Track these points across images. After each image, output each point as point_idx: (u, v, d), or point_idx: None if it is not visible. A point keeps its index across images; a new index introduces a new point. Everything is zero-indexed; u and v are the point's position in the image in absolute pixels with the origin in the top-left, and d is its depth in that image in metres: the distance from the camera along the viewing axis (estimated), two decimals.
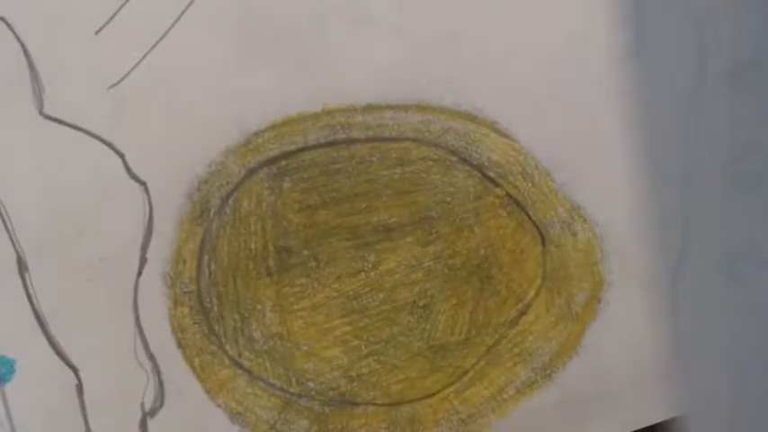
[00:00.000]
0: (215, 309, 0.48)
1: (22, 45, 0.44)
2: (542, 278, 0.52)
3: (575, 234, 0.52)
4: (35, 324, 0.45)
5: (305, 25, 0.47)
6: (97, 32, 0.45)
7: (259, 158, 0.48)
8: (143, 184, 0.46)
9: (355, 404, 0.50)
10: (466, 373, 0.51)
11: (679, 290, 0.52)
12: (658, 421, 0.53)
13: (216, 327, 0.48)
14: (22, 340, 0.45)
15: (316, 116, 0.48)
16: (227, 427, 0.48)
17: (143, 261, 0.46)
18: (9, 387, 0.45)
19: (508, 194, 0.51)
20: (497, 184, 0.51)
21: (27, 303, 0.45)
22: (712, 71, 0.49)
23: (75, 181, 0.45)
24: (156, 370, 0.47)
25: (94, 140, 0.45)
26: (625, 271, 0.52)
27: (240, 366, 0.48)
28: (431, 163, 0.50)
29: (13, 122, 0.44)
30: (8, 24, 0.44)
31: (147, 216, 0.46)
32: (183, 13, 0.46)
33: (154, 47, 0.45)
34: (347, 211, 0.49)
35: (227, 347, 0.48)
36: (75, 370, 0.46)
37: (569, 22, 0.50)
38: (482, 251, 0.51)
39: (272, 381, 0.49)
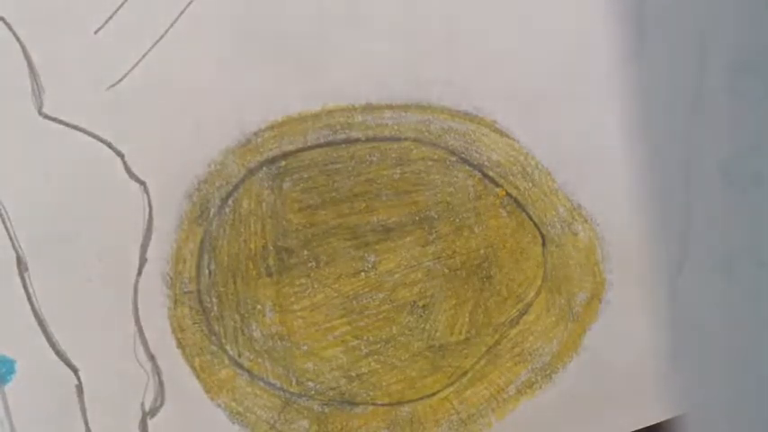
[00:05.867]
0: (215, 309, 0.48)
1: (22, 45, 0.44)
2: (543, 278, 0.52)
3: (575, 234, 0.52)
4: (35, 324, 0.45)
5: (305, 25, 0.47)
6: (96, 32, 0.45)
7: (259, 158, 0.48)
8: (142, 183, 0.46)
9: (355, 404, 0.50)
10: (466, 373, 0.51)
11: (679, 290, 0.51)
12: (658, 421, 0.53)
13: (216, 327, 0.48)
14: (22, 340, 0.45)
15: (316, 116, 0.48)
16: (227, 426, 0.48)
17: (143, 261, 0.46)
18: (9, 387, 0.45)
19: (508, 194, 0.51)
20: (497, 184, 0.51)
21: (27, 303, 0.45)
22: (712, 71, 0.49)
23: (75, 181, 0.45)
24: (156, 370, 0.47)
25: (94, 140, 0.45)
26: (625, 271, 0.52)
27: (240, 366, 0.48)
28: (431, 163, 0.50)
29: (13, 122, 0.44)
30: (8, 24, 0.44)
31: (146, 216, 0.46)
32: (182, 12, 0.46)
33: (153, 46, 0.45)
34: (347, 211, 0.49)
35: (227, 347, 0.48)
36: (75, 370, 0.46)
37: (569, 22, 0.50)
38: (482, 251, 0.51)
39: (272, 380, 0.49)
